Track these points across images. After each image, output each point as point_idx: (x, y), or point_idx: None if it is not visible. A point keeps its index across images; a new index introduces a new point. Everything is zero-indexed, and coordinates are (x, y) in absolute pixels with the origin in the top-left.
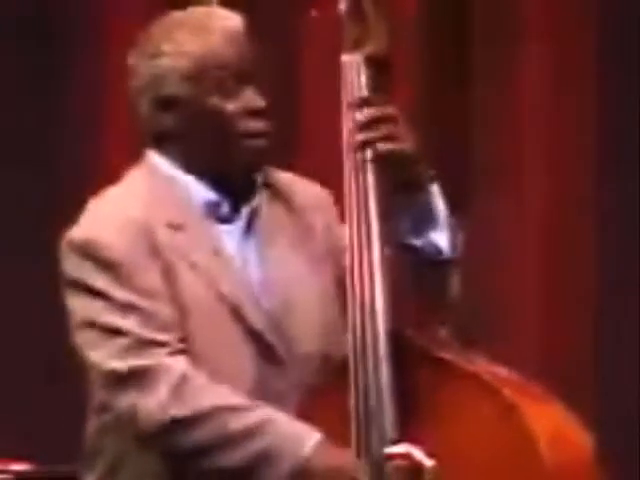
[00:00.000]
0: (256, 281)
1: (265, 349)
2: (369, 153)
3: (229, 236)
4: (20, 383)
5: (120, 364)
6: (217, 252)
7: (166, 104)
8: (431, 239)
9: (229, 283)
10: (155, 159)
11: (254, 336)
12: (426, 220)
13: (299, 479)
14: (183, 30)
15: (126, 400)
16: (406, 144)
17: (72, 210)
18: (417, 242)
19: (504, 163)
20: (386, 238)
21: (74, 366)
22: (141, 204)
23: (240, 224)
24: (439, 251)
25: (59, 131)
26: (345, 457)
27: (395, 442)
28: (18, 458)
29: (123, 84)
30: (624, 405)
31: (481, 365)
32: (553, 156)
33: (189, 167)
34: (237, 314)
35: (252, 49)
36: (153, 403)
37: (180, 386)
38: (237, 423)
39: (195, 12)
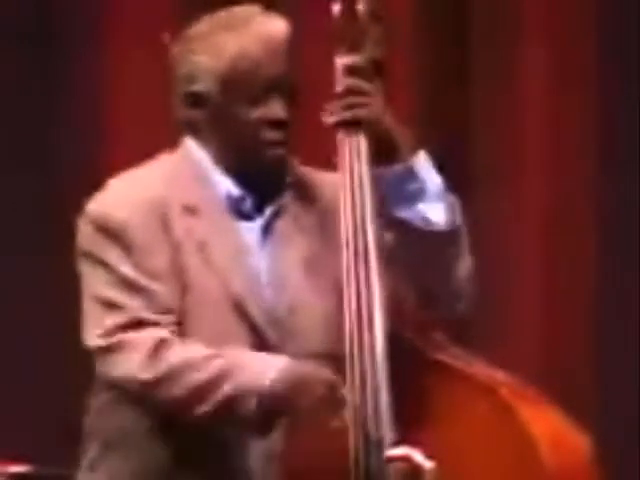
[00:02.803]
0: (265, 279)
1: (264, 345)
2: (330, 121)
3: (248, 232)
4: (19, 384)
5: (111, 340)
6: (230, 243)
7: (196, 100)
8: (419, 210)
9: (237, 276)
10: (188, 144)
11: (254, 331)
12: (411, 192)
13: (271, 408)
14: (223, 30)
15: (111, 370)
16: (371, 111)
17: (72, 210)
18: (405, 214)
19: (504, 163)
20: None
21: (75, 367)
22: (161, 184)
23: (261, 222)
24: (428, 223)
25: (59, 131)
26: (308, 368)
27: (395, 444)
28: (17, 460)
29: (123, 84)
30: (624, 406)
31: (478, 367)
32: (553, 156)
33: (216, 159)
34: (239, 307)
35: (291, 56)
36: (132, 367)
37: (156, 348)
38: (204, 373)
39: (239, 14)
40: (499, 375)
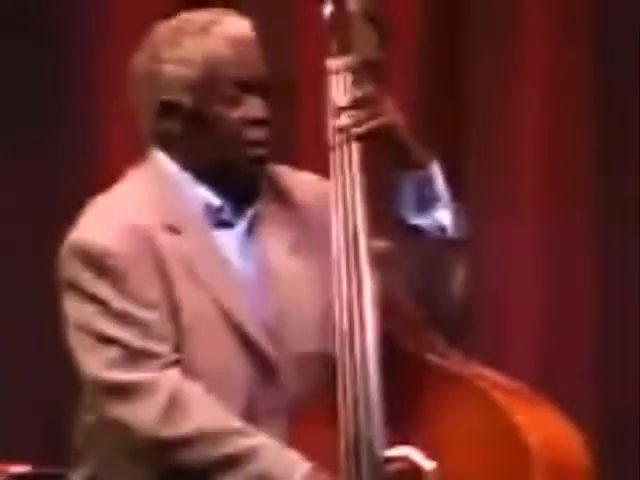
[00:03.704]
0: (253, 284)
1: (259, 357)
2: (354, 134)
3: (229, 240)
4: (20, 384)
5: (110, 375)
6: (215, 258)
7: (168, 109)
8: (436, 218)
9: (225, 289)
10: (159, 158)
11: (249, 345)
12: (430, 198)
13: None
14: (188, 36)
15: (114, 412)
16: (392, 119)
17: (72, 209)
18: (423, 222)
19: (503, 163)
20: (381, 229)
21: (74, 367)
22: (142, 206)
23: (241, 227)
24: (444, 230)
25: (59, 131)
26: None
27: (392, 445)
28: (17, 460)
29: (123, 84)
30: (624, 407)
31: (472, 369)
32: (551, 157)
33: (191, 169)
34: (232, 322)
35: (260, 56)
36: (141, 422)
37: (169, 406)
38: (223, 450)
39: (202, 16)
40: (493, 377)
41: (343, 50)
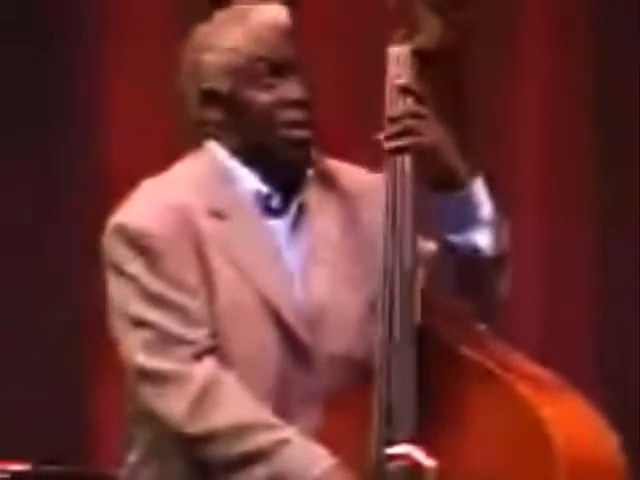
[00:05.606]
0: (297, 277)
1: (297, 348)
2: (392, 145)
3: (277, 229)
4: (21, 383)
5: (142, 359)
6: (260, 246)
7: (208, 98)
8: (469, 237)
9: (268, 279)
10: (211, 145)
11: (287, 333)
12: (466, 218)
13: None
14: (225, 25)
15: (148, 400)
16: (423, 139)
17: (72, 209)
18: (455, 239)
19: (502, 161)
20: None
21: (75, 365)
22: (185, 191)
23: (289, 217)
24: (476, 250)
25: (59, 131)
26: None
27: (396, 442)
28: (18, 458)
29: (123, 84)
30: (625, 406)
31: (508, 359)
32: (551, 157)
33: (237, 156)
34: (272, 310)
35: (295, 41)
36: (170, 414)
37: (199, 400)
38: (250, 444)
39: (239, 8)
40: (523, 363)
41: (406, 38)
